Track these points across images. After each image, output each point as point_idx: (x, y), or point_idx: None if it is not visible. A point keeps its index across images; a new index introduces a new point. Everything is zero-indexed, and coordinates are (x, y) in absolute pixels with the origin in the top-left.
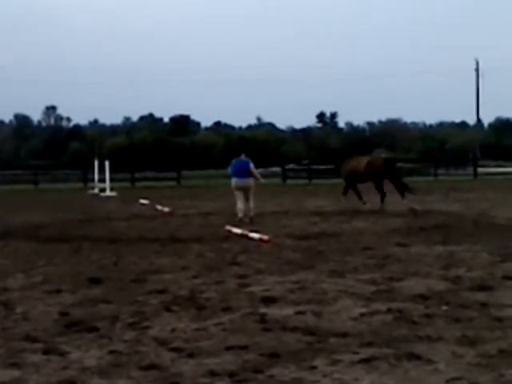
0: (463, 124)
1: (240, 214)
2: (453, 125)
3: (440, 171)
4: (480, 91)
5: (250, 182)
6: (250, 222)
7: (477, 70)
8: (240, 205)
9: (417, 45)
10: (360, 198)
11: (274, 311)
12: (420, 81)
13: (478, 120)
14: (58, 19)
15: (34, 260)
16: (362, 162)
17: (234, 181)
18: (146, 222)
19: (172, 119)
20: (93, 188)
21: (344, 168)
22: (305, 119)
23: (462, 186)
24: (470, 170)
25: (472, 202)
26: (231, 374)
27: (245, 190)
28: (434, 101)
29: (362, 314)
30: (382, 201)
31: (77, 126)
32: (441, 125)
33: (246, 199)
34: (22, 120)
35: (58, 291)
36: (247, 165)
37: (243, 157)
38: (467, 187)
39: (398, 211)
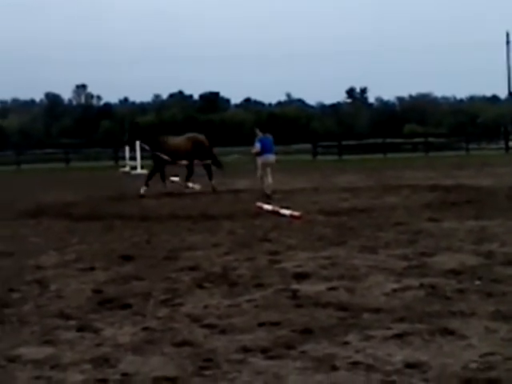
0: (494, 98)
1: (268, 191)
2: (484, 99)
3: (471, 146)
4: (511, 64)
5: (275, 158)
6: (270, 197)
7: (508, 42)
8: (267, 181)
9: (447, 18)
10: (164, 180)
11: (306, 287)
12: (450, 55)
13: (510, 93)
14: None
15: (66, 238)
16: (184, 140)
17: (266, 157)
18: (177, 200)
19: (202, 96)
20: (124, 166)
21: (164, 147)
22: (334, 95)
23: (494, 160)
24: (502, 144)
25: (504, 176)
26: (264, 350)
27: (270, 166)
28: (464, 75)
29: (395, 290)
30: (188, 180)
31: (107, 105)
32: (472, 99)
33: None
34: (52, 99)
35: (91, 269)
36: (272, 142)
37: (267, 134)
38: (499, 161)
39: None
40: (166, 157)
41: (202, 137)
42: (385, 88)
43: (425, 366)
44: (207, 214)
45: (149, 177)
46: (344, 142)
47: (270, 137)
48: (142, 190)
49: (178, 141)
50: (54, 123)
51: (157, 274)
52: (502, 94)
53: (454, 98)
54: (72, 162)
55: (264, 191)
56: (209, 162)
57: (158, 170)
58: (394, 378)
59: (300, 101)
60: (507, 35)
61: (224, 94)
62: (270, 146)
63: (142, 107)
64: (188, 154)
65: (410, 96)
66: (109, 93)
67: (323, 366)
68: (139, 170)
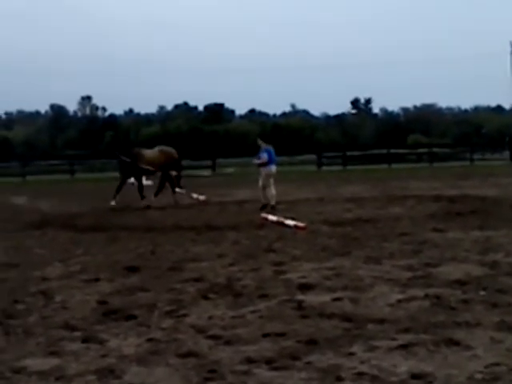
0: (499, 108)
1: (273, 202)
2: (488, 109)
3: (476, 156)
4: None
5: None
6: (275, 208)
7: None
8: (271, 192)
9: (451, 29)
10: (142, 193)
11: (310, 298)
12: (455, 65)
13: None
14: (94, 9)
15: (71, 249)
16: (157, 153)
17: (272, 168)
18: (181, 211)
19: (206, 107)
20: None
21: (141, 159)
22: (339, 105)
23: (499, 170)
24: (507, 154)
25: (509, 186)
26: (269, 361)
27: (273, 177)
28: (469, 85)
29: (399, 300)
30: (174, 191)
31: (112, 116)
32: (476, 109)
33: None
34: (57, 110)
35: (96, 280)
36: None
37: (269, 145)
38: (504, 172)
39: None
40: (149, 167)
41: (172, 149)
42: (389, 99)
43: (430, 377)
44: (211, 224)
45: (140, 191)
46: (349, 153)
47: (271, 148)
48: (142, 204)
49: (151, 153)
50: (59, 135)
51: (161, 285)
52: (507, 104)
53: (459, 109)
54: (77, 173)
55: (263, 201)
56: (174, 173)
57: (140, 180)
58: None
59: (305, 111)
60: (511, 45)
61: (228, 105)
62: (274, 157)
63: (147, 118)
64: (161, 166)
65: (415, 106)
66: (114, 104)
67: (328, 377)
68: (144, 181)
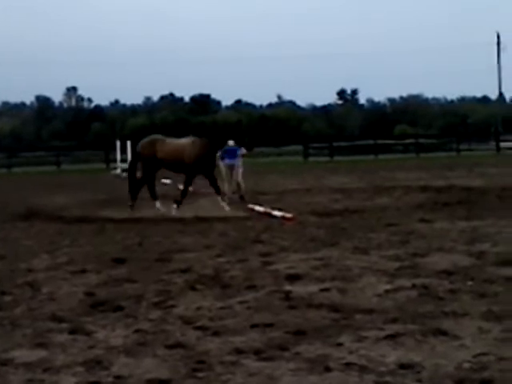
0: (485, 99)
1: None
2: (474, 100)
3: (462, 146)
4: (501, 65)
5: None
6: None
7: (498, 43)
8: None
9: (437, 19)
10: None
11: (298, 288)
12: (441, 56)
13: (500, 94)
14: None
15: (58, 241)
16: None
17: None
18: (168, 203)
19: (193, 98)
20: (115, 169)
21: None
22: (325, 96)
23: (485, 160)
24: (493, 144)
25: (495, 176)
26: (257, 352)
27: None
28: (455, 76)
29: (387, 291)
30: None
31: (98, 107)
32: (462, 100)
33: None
34: (43, 101)
35: (83, 271)
36: None
37: None
38: (490, 162)
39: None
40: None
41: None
42: (376, 89)
43: (418, 367)
44: (199, 215)
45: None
46: (335, 144)
47: None
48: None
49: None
50: (45, 126)
51: (149, 276)
52: (493, 94)
53: (445, 99)
54: (63, 164)
55: (241, 193)
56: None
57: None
58: (388, 378)
59: (291, 102)
60: (498, 36)
61: (215, 95)
62: None
63: (133, 109)
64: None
65: (401, 97)
66: (99, 95)
67: (317, 367)
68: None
